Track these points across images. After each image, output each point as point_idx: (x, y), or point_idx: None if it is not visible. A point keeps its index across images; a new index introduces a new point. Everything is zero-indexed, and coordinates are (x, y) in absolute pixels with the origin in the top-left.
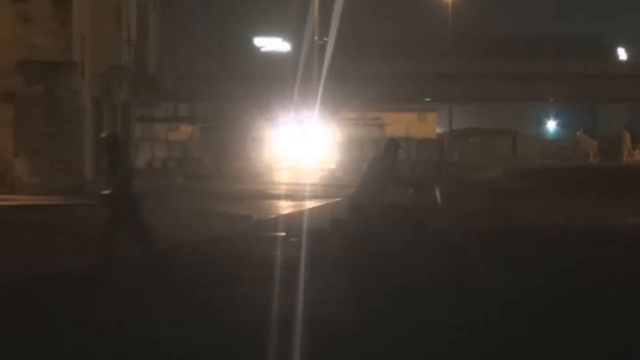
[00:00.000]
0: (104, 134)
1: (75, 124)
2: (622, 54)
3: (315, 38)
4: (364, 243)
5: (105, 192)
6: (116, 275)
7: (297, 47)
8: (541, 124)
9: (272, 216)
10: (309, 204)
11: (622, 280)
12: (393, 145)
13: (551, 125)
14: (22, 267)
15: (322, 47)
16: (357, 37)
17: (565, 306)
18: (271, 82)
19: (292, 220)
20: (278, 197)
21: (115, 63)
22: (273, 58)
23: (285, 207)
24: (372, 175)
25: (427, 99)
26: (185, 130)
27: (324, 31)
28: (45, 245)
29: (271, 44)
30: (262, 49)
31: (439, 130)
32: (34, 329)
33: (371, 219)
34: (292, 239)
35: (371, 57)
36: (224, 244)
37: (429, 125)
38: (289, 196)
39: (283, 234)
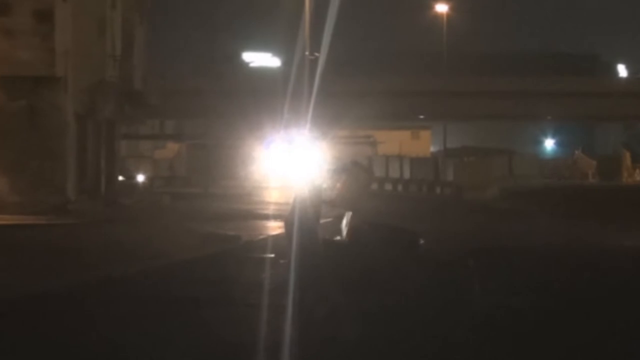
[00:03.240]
0: None
1: (58, 141)
2: (622, 71)
3: (307, 53)
4: (356, 264)
5: None
6: (106, 295)
7: (287, 63)
8: (538, 142)
9: (261, 237)
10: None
11: (611, 305)
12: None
13: (549, 143)
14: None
15: (314, 63)
16: (349, 53)
17: (550, 329)
18: (260, 98)
19: (282, 241)
20: (267, 217)
21: (100, 78)
22: (262, 73)
23: (274, 227)
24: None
25: (421, 117)
26: (171, 148)
27: (315, 46)
28: (24, 265)
29: (260, 59)
30: (251, 64)
31: (433, 148)
32: (21, 350)
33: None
34: (282, 261)
35: (363, 73)
36: (211, 264)
37: (423, 143)
38: (279, 216)
39: (272, 255)
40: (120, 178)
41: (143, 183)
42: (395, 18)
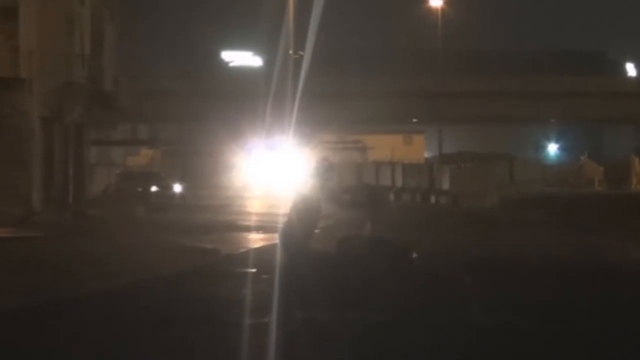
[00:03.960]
0: None
1: (22, 147)
2: (630, 69)
3: (290, 52)
4: (342, 278)
5: None
6: (70, 315)
7: (269, 62)
8: (541, 147)
9: (242, 250)
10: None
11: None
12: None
13: (552, 148)
14: None
15: (298, 62)
16: (336, 52)
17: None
18: (241, 100)
19: (264, 255)
20: (248, 228)
21: (68, 79)
22: (243, 74)
23: (256, 240)
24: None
25: (414, 120)
26: (145, 155)
27: (299, 44)
28: None
29: (241, 58)
30: (231, 64)
31: (427, 154)
32: None
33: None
34: (264, 276)
35: (352, 73)
36: (188, 280)
37: (416, 148)
38: (260, 228)
39: (254, 270)
40: (154, 188)
41: (180, 194)
42: (387, 14)
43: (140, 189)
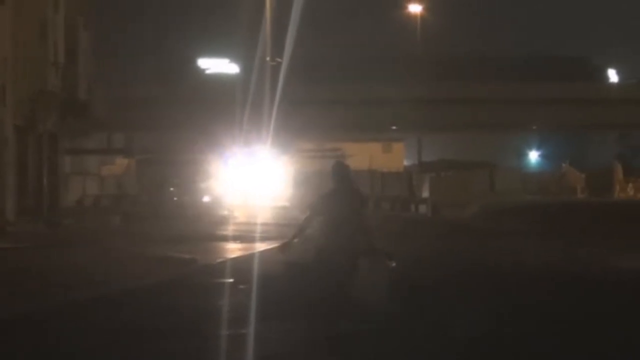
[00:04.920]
0: None
1: None
2: (613, 76)
3: (268, 59)
4: (328, 291)
5: None
6: (42, 328)
7: (246, 69)
8: (522, 155)
9: (219, 260)
10: (260, 247)
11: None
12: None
13: (533, 156)
14: None
15: (275, 69)
16: (314, 58)
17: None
18: (218, 108)
19: (241, 265)
20: (225, 238)
21: (41, 87)
22: (220, 81)
23: (233, 249)
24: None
25: (393, 128)
26: (120, 164)
27: (277, 51)
28: None
29: (217, 65)
30: (208, 71)
31: (406, 162)
32: None
33: (337, 264)
34: (241, 286)
35: (330, 80)
36: (165, 291)
37: (396, 156)
38: (238, 237)
39: (231, 280)
40: (206, 199)
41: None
42: (365, 20)
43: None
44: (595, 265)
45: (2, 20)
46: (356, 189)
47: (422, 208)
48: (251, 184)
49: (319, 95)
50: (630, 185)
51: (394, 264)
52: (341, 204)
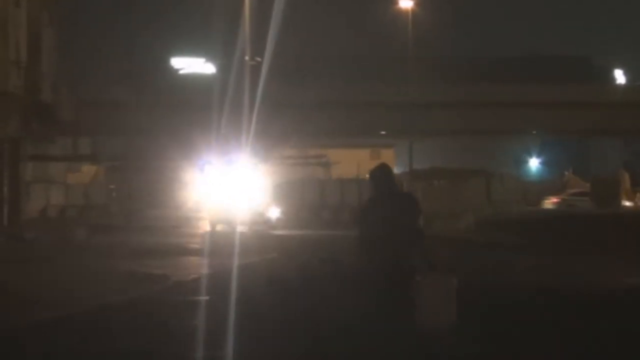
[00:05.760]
0: None
1: None
2: (619, 77)
3: (247, 58)
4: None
5: None
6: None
7: (224, 69)
8: (521, 162)
9: (193, 276)
10: (238, 262)
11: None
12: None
13: (533, 163)
14: None
15: (255, 70)
16: (298, 58)
17: None
18: (192, 111)
19: (218, 282)
20: (201, 252)
21: (2, 89)
22: (195, 82)
23: (208, 265)
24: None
25: (383, 133)
26: (87, 172)
27: (257, 50)
28: None
29: (192, 65)
30: (181, 71)
31: (396, 170)
32: None
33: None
34: (218, 305)
35: (315, 82)
36: (135, 310)
37: None
38: (214, 252)
39: (206, 298)
40: (180, 209)
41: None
42: (354, 17)
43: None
44: (594, 281)
45: None
46: (408, 192)
47: None
48: (228, 194)
49: (301, 98)
50: (639, 194)
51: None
52: (392, 211)
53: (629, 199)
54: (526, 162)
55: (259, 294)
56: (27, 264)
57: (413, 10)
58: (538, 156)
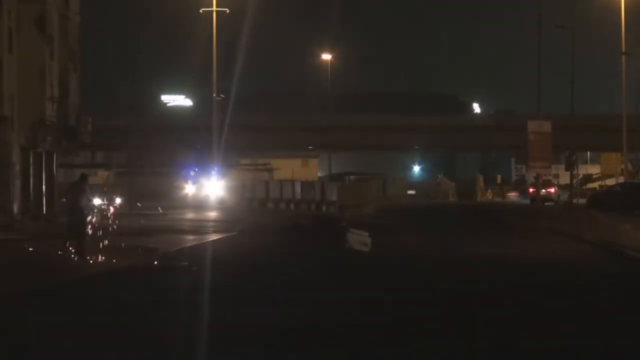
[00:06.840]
0: None
1: (5, 170)
2: (476, 108)
3: (214, 95)
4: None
5: None
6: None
7: (199, 103)
8: (407, 168)
9: (177, 248)
10: (210, 238)
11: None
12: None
13: (416, 169)
14: None
15: (221, 103)
16: (254, 94)
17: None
18: (178, 133)
19: (195, 251)
20: (184, 231)
21: (41, 117)
22: (178, 112)
23: (189, 240)
24: None
25: (310, 147)
26: (101, 175)
27: (225, 87)
28: None
29: (176, 99)
30: (169, 104)
31: (320, 173)
32: None
33: None
34: (194, 268)
35: (262, 111)
36: (133, 273)
37: (312, 169)
38: (192, 231)
39: (185, 263)
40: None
41: None
42: (294, 62)
43: None
44: (461, 249)
45: (11, 65)
46: None
47: (331, 208)
48: (203, 190)
49: (255, 123)
50: (489, 191)
51: (344, 223)
52: None
53: (482, 195)
54: (411, 168)
55: (225, 260)
56: (57, 238)
57: (331, 62)
58: (419, 164)
